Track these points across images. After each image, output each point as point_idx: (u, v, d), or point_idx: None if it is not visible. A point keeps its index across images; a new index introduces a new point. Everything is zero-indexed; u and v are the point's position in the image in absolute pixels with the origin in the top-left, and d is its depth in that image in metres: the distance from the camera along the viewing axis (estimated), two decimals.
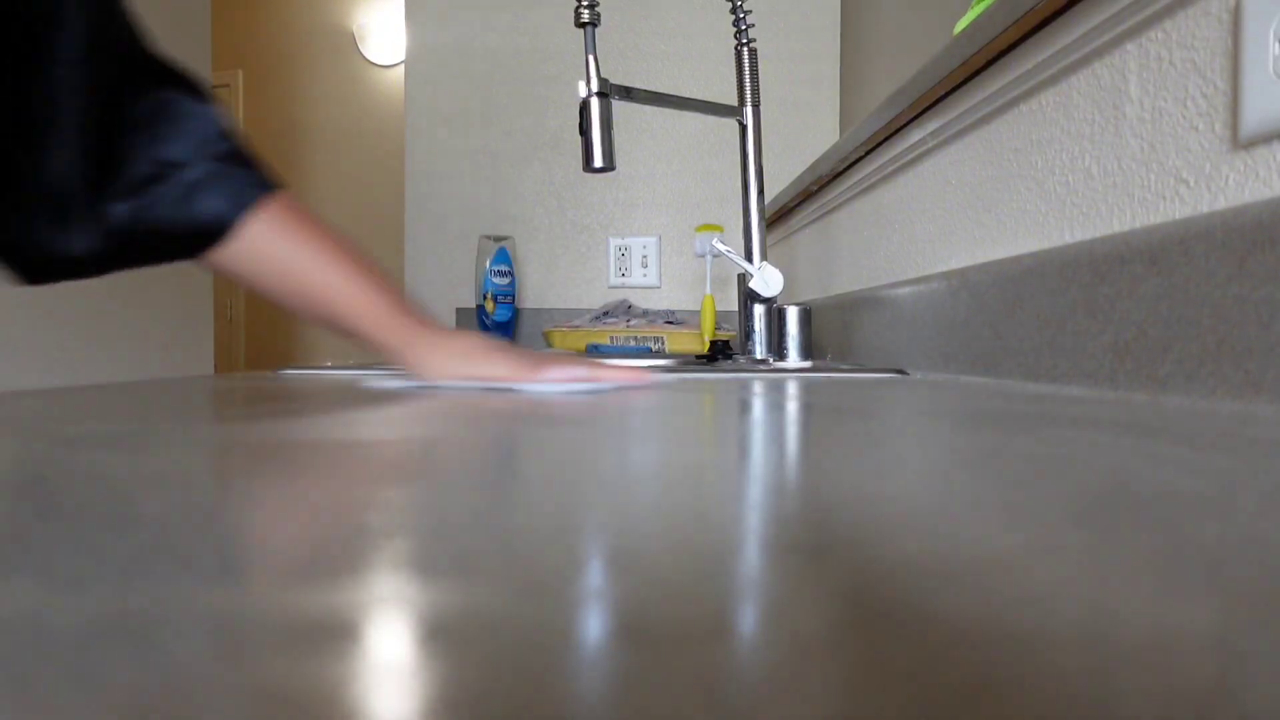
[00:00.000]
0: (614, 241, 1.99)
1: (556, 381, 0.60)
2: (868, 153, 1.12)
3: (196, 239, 0.62)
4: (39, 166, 0.58)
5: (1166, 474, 0.23)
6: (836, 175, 1.27)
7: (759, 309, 1.11)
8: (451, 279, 2.02)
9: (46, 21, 0.58)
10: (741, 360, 1.14)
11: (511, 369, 0.60)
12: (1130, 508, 0.18)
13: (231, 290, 4.08)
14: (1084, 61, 0.66)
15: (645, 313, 1.72)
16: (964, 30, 0.78)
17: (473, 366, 0.61)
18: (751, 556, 0.14)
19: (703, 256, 1.63)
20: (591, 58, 0.96)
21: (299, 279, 0.63)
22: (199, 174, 0.62)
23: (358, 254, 0.65)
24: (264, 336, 4.14)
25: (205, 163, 0.62)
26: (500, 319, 1.88)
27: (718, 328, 1.72)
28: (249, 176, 0.63)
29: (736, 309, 1.97)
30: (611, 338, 1.64)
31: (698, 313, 1.93)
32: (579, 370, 0.62)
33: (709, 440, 0.31)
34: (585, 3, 0.94)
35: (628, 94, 1.02)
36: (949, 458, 0.26)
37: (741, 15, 1.14)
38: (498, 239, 1.89)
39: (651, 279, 1.99)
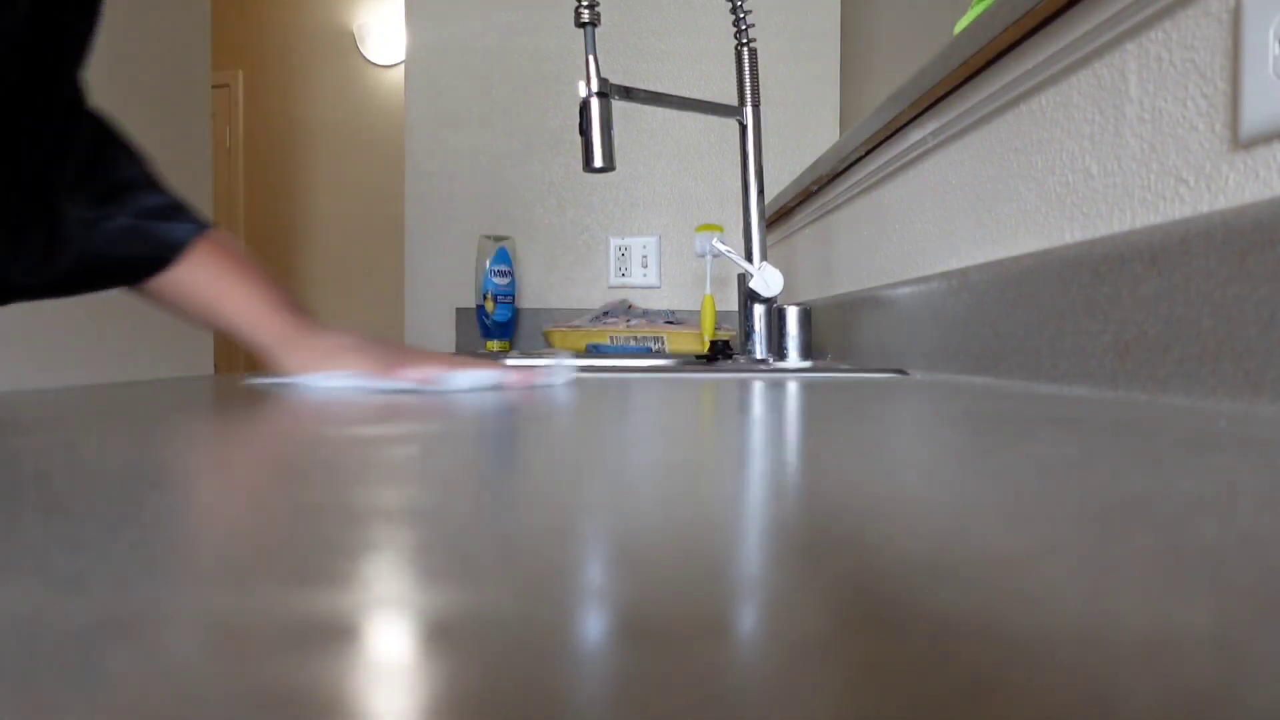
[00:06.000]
0: (614, 241, 1.99)
1: (411, 379, 0.59)
2: (868, 153, 1.12)
3: (148, 264, 0.67)
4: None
5: (1166, 474, 0.23)
6: (836, 175, 1.27)
7: (759, 309, 1.11)
8: (451, 279, 2.02)
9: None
10: (741, 360, 1.14)
11: (369, 365, 0.61)
12: (1130, 508, 0.18)
13: None
14: (1084, 61, 0.66)
15: (645, 313, 1.72)
16: (964, 30, 0.78)
17: (332, 362, 0.62)
18: (752, 556, 0.14)
19: (703, 256, 1.63)
20: (591, 58, 0.96)
21: (202, 295, 0.67)
22: (156, 202, 0.67)
23: (254, 264, 0.69)
24: None
25: (157, 194, 0.67)
26: (500, 319, 1.87)
27: (718, 328, 1.72)
28: (191, 213, 0.69)
29: (736, 309, 1.97)
30: (611, 338, 1.64)
31: (698, 313, 1.93)
32: (434, 369, 0.60)
33: (709, 440, 0.31)
34: (585, 3, 0.94)
35: (628, 94, 1.01)
36: (949, 458, 0.26)
37: (741, 15, 1.14)
38: (498, 239, 1.89)
39: (651, 279, 1.99)
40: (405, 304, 2.04)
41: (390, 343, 0.66)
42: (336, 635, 0.10)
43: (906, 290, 0.95)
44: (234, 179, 4.07)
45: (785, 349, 1.05)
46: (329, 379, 0.60)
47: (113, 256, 0.66)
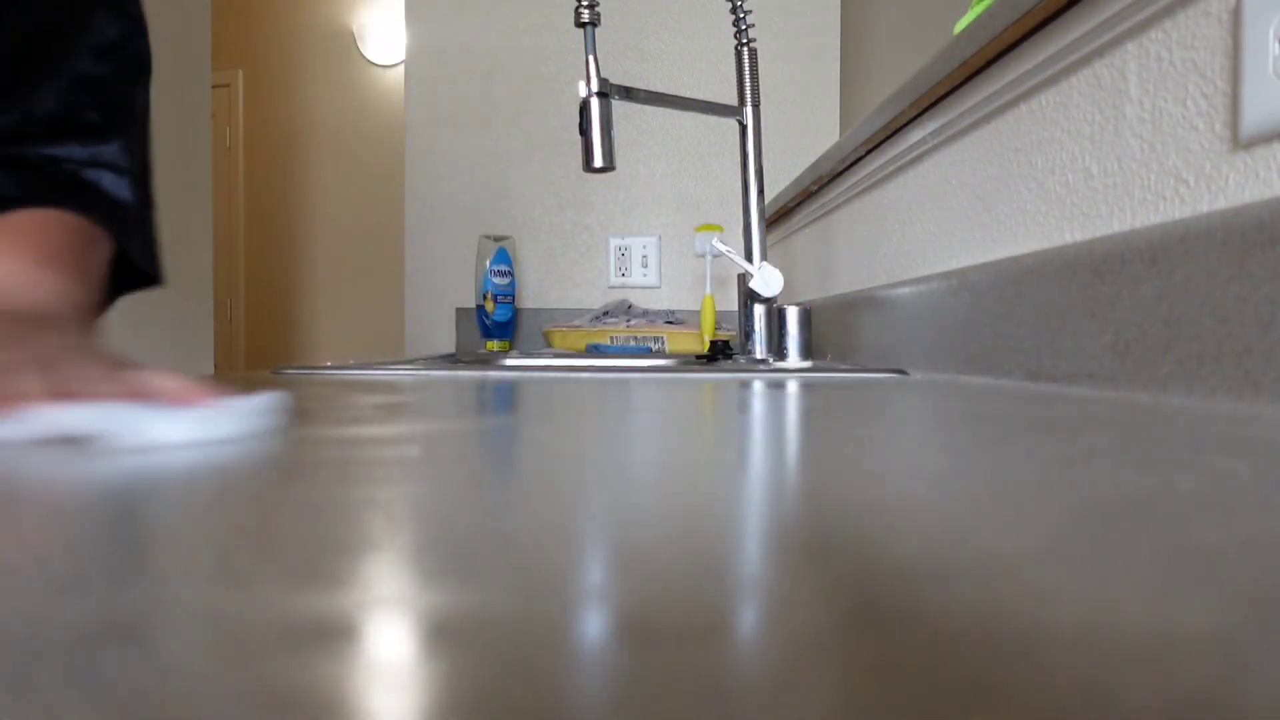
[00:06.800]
0: (614, 241, 1.99)
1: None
2: (868, 153, 1.12)
3: None
4: None
5: (1166, 474, 0.23)
6: (836, 175, 1.27)
7: (759, 309, 1.11)
8: (451, 279, 2.02)
9: None
10: (741, 360, 1.14)
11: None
12: (1130, 508, 0.18)
13: (231, 290, 4.07)
14: (1084, 61, 0.66)
15: (645, 313, 1.72)
16: (964, 30, 0.78)
17: None
18: (752, 556, 0.14)
19: (703, 256, 1.63)
20: (591, 58, 0.96)
21: None
22: None
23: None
24: (263, 336, 4.14)
25: None
26: (500, 319, 1.88)
27: (718, 328, 1.72)
28: None
29: (736, 309, 1.97)
30: (611, 338, 1.64)
31: (698, 313, 1.93)
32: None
33: (709, 440, 0.31)
34: (585, 3, 0.94)
35: (628, 94, 1.02)
36: (949, 458, 0.26)
37: (741, 15, 1.14)
38: (498, 239, 1.89)
39: (651, 279, 1.99)
40: (405, 304, 2.04)
41: (77, 347, 0.36)
42: (339, 635, 0.10)
43: (906, 290, 0.95)
44: (234, 179, 4.07)
45: (785, 349, 1.05)
46: None
47: None
